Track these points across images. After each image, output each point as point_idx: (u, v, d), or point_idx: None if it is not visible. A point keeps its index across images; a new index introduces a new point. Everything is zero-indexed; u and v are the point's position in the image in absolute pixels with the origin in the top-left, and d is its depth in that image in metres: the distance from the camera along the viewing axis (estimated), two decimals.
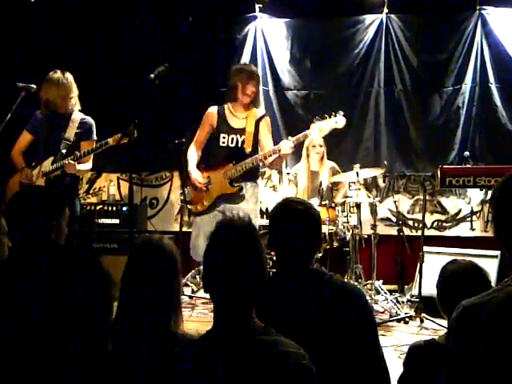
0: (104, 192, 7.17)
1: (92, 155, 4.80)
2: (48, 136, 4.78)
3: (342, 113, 4.92)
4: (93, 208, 6.41)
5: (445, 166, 5.03)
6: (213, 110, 5.24)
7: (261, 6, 7.05)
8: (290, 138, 4.93)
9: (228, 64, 7.02)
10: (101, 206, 6.46)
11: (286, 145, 4.83)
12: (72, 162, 4.56)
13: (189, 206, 5.31)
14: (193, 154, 5.26)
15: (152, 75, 4.14)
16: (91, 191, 6.96)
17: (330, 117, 4.92)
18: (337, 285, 2.35)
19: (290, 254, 2.34)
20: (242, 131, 5.05)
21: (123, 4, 6.96)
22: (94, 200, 7.04)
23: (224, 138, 5.06)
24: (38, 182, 4.66)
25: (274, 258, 5.16)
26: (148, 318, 2.12)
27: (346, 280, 5.37)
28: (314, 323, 2.22)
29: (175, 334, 2.13)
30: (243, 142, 5.02)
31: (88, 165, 4.85)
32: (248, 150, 4.99)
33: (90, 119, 4.86)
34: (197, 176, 5.14)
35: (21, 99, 4.56)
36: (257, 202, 5.04)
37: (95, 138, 4.83)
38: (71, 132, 4.71)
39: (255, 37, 7.09)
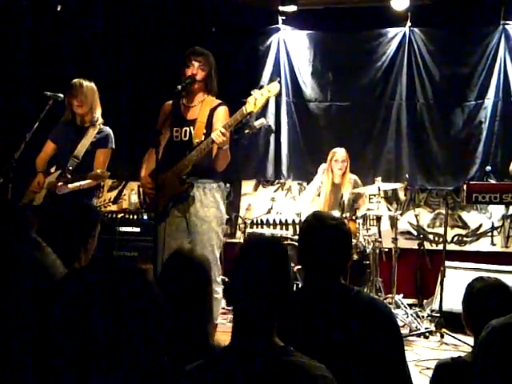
0: (125, 200, 7.21)
1: (106, 164, 4.70)
2: (62, 146, 4.70)
3: (278, 78, 4.27)
4: (114, 216, 6.45)
5: (471, 182, 4.97)
6: (168, 102, 4.47)
7: (284, 18, 7.10)
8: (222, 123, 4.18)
9: (251, 75, 7.06)
10: (122, 215, 6.50)
11: (215, 132, 4.07)
12: (61, 184, 4.46)
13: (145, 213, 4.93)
14: (147, 159, 4.45)
15: (179, 86, 4.19)
16: (118, 200, 6.94)
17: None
18: (365, 300, 2.35)
19: (321, 269, 2.32)
20: (195, 122, 4.33)
21: (147, 14, 7.02)
22: (114, 208, 7.07)
23: (177, 131, 4.34)
24: (42, 192, 4.62)
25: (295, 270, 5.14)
26: (185, 330, 2.13)
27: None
28: (341, 338, 2.21)
29: (213, 346, 2.14)
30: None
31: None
32: (196, 141, 4.22)
33: (106, 128, 4.71)
34: (144, 183, 4.42)
35: (48, 108, 4.57)
36: (219, 208, 4.26)
37: (113, 146, 4.67)
38: (83, 147, 4.58)
39: (278, 48, 7.14)
